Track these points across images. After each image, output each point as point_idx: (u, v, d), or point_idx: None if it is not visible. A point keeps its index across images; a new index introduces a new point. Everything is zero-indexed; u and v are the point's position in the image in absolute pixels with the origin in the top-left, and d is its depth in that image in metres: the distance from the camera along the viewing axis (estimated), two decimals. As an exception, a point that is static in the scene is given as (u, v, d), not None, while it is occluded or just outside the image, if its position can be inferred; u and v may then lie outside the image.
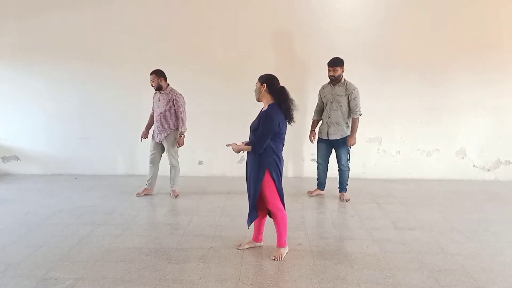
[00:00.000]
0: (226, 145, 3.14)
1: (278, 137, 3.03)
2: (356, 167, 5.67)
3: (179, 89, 4.71)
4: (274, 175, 3.05)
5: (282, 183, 3.19)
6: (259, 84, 3.05)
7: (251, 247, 3.31)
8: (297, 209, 4.35)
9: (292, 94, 3.06)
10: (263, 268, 2.97)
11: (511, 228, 3.80)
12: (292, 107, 3.03)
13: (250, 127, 3.12)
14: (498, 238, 3.55)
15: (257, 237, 3.34)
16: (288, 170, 5.72)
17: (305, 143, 5.47)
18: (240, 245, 3.32)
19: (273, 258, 3.10)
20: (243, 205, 4.45)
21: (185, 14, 5.42)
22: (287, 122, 3.07)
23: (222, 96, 5.57)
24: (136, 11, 5.42)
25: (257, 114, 3.13)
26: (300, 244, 3.41)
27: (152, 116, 4.76)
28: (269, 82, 3.02)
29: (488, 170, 5.64)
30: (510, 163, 5.60)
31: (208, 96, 5.56)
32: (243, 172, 5.61)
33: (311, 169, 5.35)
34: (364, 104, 5.44)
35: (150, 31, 5.46)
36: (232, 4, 5.37)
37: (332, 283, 2.76)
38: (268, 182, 3.05)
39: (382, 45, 5.34)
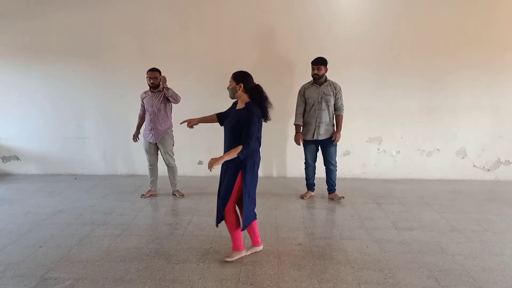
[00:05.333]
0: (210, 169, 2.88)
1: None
2: (356, 167, 5.70)
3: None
4: (248, 177, 2.95)
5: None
6: (235, 83, 2.95)
7: (253, 253, 3.23)
8: (297, 209, 4.35)
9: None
10: (263, 268, 2.96)
11: (511, 228, 3.80)
12: (267, 105, 2.97)
13: (226, 125, 3.02)
14: (498, 238, 3.55)
15: (256, 241, 3.23)
16: (288, 170, 5.72)
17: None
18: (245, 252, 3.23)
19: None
20: (243, 205, 4.45)
21: (184, 14, 5.41)
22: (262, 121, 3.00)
23: (222, 96, 5.51)
24: (135, 11, 5.42)
25: (236, 112, 3.01)
26: (300, 244, 3.40)
27: (141, 117, 4.71)
28: (246, 81, 2.95)
29: (488, 170, 5.64)
30: (510, 163, 5.60)
31: (207, 95, 5.54)
32: (243, 172, 5.72)
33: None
34: (364, 104, 5.48)
35: (149, 31, 5.46)
36: (231, 4, 5.36)
37: (332, 283, 2.76)
38: (239, 184, 2.97)
39: (382, 45, 5.34)
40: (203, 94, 5.52)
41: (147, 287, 2.70)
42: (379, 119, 5.57)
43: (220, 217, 3.06)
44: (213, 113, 3.30)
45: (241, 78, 2.97)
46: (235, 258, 3.08)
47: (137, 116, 4.76)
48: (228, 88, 3.02)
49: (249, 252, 3.18)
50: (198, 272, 2.90)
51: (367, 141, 5.64)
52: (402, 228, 3.77)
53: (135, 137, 4.78)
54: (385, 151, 5.67)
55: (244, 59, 5.47)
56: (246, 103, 2.96)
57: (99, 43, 5.52)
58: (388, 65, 5.39)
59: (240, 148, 2.82)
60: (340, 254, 3.20)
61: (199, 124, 3.34)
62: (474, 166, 5.63)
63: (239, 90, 2.96)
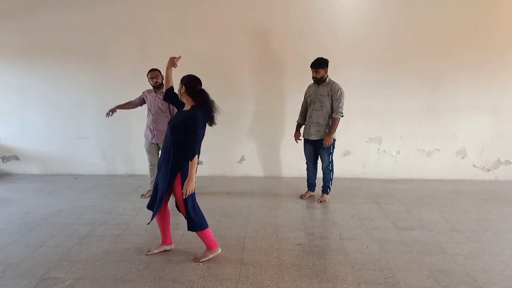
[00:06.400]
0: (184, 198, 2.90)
1: None
2: (356, 167, 5.70)
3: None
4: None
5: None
6: (180, 85, 3.00)
7: (161, 251, 3.23)
8: (297, 209, 4.35)
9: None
10: (263, 268, 2.97)
11: (511, 228, 3.80)
12: (213, 109, 2.97)
13: (169, 124, 3.02)
14: (498, 238, 3.55)
15: (165, 240, 3.24)
16: (288, 170, 5.72)
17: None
18: (149, 251, 3.23)
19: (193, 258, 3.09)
20: (243, 205, 4.46)
21: (184, 14, 5.41)
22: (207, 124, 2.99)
23: (221, 96, 5.47)
24: (135, 11, 5.42)
25: (181, 112, 3.03)
26: (300, 244, 3.41)
27: (130, 103, 4.64)
28: (188, 85, 2.96)
29: (488, 170, 5.64)
30: (510, 163, 5.60)
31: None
32: (243, 172, 5.76)
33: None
34: (364, 104, 5.48)
35: (149, 31, 5.46)
36: (230, 4, 5.36)
37: (332, 283, 2.76)
38: (179, 187, 2.92)
39: (382, 45, 5.34)
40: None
41: (147, 287, 2.70)
42: (379, 119, 5.57)
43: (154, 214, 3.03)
44: (170, 84, 3.20)
45: (184, 81, 2.99)
46: (209, 257, 3.08)
47: (129, 101, 4.65)
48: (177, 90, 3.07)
49: (208, 256, 3.10)
50: (198, 272, 2.90)
51: (367, 141, 5.64)
52: (402, 228, 3.77)
53: (109, 112, 4.57)
54: (385, 151, 5.67)
55: (244, 59, 5.48)
56: (192, 106, 2.96)
57: (99, 43, 5.52)
58: (388, 65, 5.39)
59: (194, 158, 2.83)
60: (340, 254, 3.20)
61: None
62: (474, 166, 5.63)
63: (182, 92, 2.98)
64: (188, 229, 3.02)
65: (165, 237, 3.24)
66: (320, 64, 4.29)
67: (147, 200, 4.58)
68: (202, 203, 4.52)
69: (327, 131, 4.38)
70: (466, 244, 3.40)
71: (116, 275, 2.86)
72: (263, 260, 3.10)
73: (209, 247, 3.10)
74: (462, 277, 2.83)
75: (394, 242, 3.44)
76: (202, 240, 3.10)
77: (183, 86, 2.98)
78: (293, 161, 5.58)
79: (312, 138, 4.45)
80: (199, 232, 3.04)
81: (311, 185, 4.78)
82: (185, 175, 2.90)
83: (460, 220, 3.99)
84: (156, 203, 3.04)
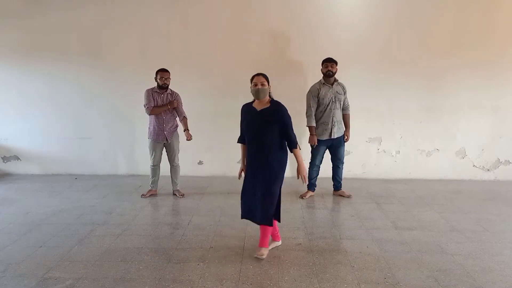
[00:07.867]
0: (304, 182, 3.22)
1: None
2: (356, 167, 5.70)
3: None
4: (283, 172, 3.19)
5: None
6: (267, 84, 3.06)
7: (273, 247, 3.32)
8: (297, 209, 4.35)
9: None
10: (263, 268, 2.97)
11: (511, 228, 3.81)
12: None
13: (256, 126, 3.04)
14: (498, 238, 3.55)
15: (276, 236, 3.35)
16: (289, 170, 5.71)
17: (305, 144, 5.48)
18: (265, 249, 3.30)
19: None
20: (243, 205, 4.46)
21: (185, 14, 5.42)
22: None
23: (222, 96, 5.57)
24: (135, 11, 5.43)
25: (260, 112, 3.06)
26: (300, 244, 3.41)
27: (160, 107, 4.47)
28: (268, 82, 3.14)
29: (488, 170, 5.64)
30: (510, 163, 5.60)
31: (208, 95, 5.56)
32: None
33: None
34: (364, 104, 5.49)
35: (149, 31, 5.47)
36: (231, 4, 5.37)
37: (332, 283, 2.76)
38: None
39: (382, 45, 5.34)
40: (204, 93, 5.53)
41: (147, 286, 2.70)
42: (379, 119, 5.57)
43: (271, 216, 3.10)
44: (240, 144, 3.32)
45: (268, 79, 3.11)
46: (271, 247, 3.25)
47: (148, 111, 4.46)
48: (260, 89, 3.03)
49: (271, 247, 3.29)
50: (198, 272, 2.91)
51: (367, 141, 5.64)
52: (402, 228, 3.77)
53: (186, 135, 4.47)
54: (385, 151, 5.67)
55: (244, 59, 5.48)
56: (271, 102, 3.10)
57: (100, 43, 5.53)
58: (388, 65, 5.39)
59: (297, 147, 3.11)
60: (340, 254, 3.20)
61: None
62: (474, 166, 5.64)
63: (270, 90, 3.12)
64: (264, 223, 3.09)
65: (276, 236, 3.34)
66: (335, 60, 4.50)
67: (147, 200, 4.63)
68: (203, 203, 4.55)
69: (343, 127, 4.67)
70: (466, 244, 3.41)
71: (116, 275, 2.86)
72: (263, 260, 3.10)
73: (276, 238, 3.30)
74: (462, 277, 2.83)
75: (394, 242, 3.44)
76: (266, 234, 3.15)
77: (270, 85, 3.11)
78: (293, 161, 5.56)
79: (337, 136, 4.59)
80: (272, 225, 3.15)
81: (312, 185, 4.78)
82: (283, 168, 3.15)
83: (460, 220, 3.99)
84: (268, 206, 3.08)
